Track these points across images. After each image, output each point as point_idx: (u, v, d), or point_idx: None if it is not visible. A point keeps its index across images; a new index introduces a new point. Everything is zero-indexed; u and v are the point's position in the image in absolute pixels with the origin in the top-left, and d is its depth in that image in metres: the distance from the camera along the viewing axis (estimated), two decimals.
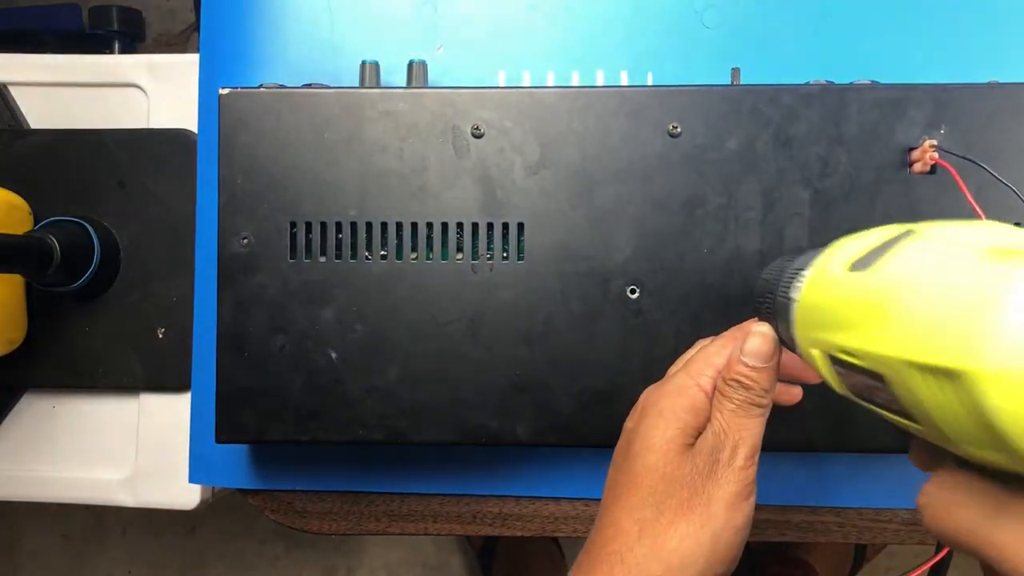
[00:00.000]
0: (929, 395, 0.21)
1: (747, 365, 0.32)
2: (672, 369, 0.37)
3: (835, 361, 0.27)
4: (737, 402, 0.32)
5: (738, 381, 0.32)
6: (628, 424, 0.35)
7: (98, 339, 0.52)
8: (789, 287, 0.30)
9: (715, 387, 0.33)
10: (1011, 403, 0.19)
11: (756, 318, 0.35)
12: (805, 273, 0.29)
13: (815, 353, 0.28)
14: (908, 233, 0.25)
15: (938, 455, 0.26)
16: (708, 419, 0.33)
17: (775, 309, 0.31)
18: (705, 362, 0.34)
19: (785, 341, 0.32)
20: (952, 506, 0.24)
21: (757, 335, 0.33)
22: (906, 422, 0.24)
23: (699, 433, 0.33)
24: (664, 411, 0.33)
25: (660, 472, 0.32)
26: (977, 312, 0.19)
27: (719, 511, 0.32)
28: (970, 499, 0.23)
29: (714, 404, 0.33)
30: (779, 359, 0.33)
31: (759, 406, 0.33)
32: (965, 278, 0.21)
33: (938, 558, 0.31)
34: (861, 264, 0.26)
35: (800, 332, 0.29)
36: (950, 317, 0.20)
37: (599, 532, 0.33)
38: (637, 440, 0.33)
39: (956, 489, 0.24)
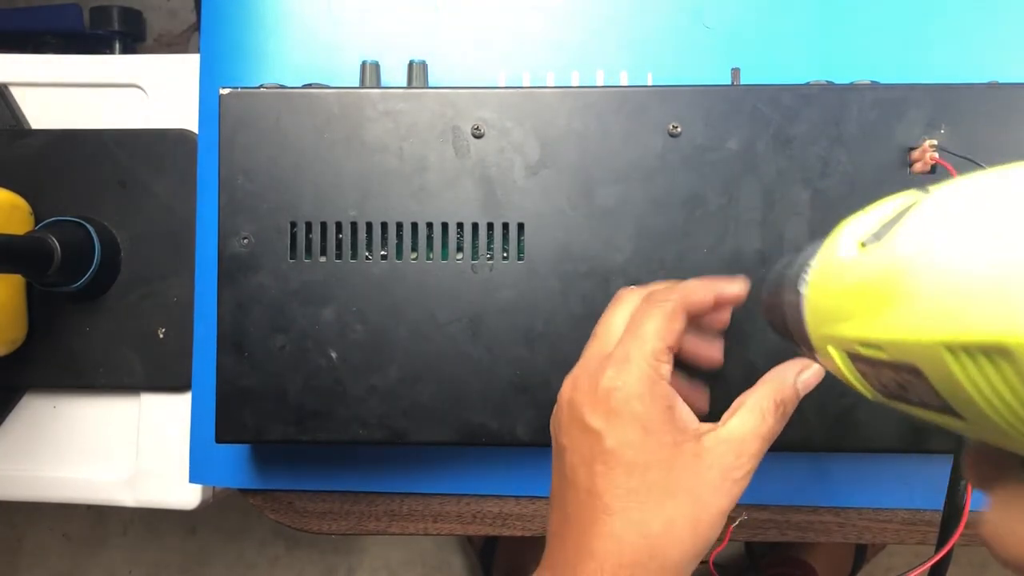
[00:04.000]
0: (972, 381, 0.18)
1: (799, 393, 0.34)
2: (604, 335, 0.36)
3: (856, 359, 0.24)
4: (777, 429, 0.33)
5: (785, 404, 0.33)
6: (594, 423, 0.33)
7: (98, 339, 0.52)
8: (797, 282, 0.27)
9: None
10: None
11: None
12: (812, 263, 0.26)
13: (833, 352, 0.25)
14: (925, 195, 0.21)
15: (998, 465, 0.22)
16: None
17: (784, 311, 0.28)
18: (659, 339, 0.33)
19: (799, 344, 0.28)
20: (1021, 526, 0.20)
21: (815, 369, 0.34)
22: (950, 419, 0.21)
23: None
24: (643, 419, 0.33)
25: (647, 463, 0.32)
26: (1018, 272, 0.16)
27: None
28: None
29: (756, 429, 0.33)
30: None
31: None
32: (997, 235, 0.17)
33: (938, 557, 0.31)
34: (874, 239, 0.22)
35: (813, 331, 0.26)
36: (985, 283, 0.17)
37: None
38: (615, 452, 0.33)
39: (1022, 505, 0.20)
